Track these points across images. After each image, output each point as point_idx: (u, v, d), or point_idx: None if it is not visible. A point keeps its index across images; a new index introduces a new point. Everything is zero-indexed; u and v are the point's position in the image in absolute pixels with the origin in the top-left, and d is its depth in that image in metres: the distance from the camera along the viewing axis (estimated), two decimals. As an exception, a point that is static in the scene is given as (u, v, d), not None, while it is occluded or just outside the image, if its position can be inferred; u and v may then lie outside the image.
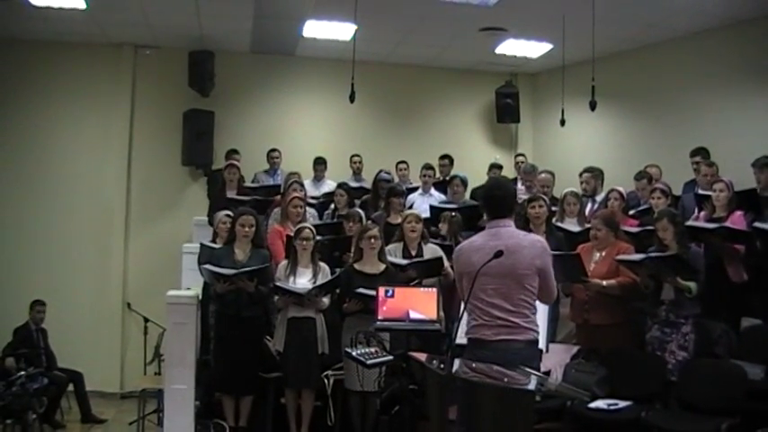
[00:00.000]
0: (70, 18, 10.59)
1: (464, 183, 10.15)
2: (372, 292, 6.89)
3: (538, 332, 4.95)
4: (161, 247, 11.52)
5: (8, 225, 11.67)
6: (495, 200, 5.14)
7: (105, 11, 10.48)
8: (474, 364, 4.53)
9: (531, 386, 4.53)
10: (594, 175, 9.68)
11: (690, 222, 7.55)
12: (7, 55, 11.71)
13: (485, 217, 5.22)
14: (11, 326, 10.05)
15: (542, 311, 5.82)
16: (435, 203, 9.93)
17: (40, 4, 10.03)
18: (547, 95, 12.75)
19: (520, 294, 4.86)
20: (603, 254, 7.38)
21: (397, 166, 11.44)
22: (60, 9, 10.20)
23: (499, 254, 4.64)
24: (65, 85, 11.98)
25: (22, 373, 8.69)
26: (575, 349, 7.44)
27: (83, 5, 10.07)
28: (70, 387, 9.98)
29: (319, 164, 11.59)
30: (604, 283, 7.16)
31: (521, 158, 12.09)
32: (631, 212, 8.80)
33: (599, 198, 9.44)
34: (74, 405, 10.10)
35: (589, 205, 9.39)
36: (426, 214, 9.12)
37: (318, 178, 11.55)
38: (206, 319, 8.37)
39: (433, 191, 10.63)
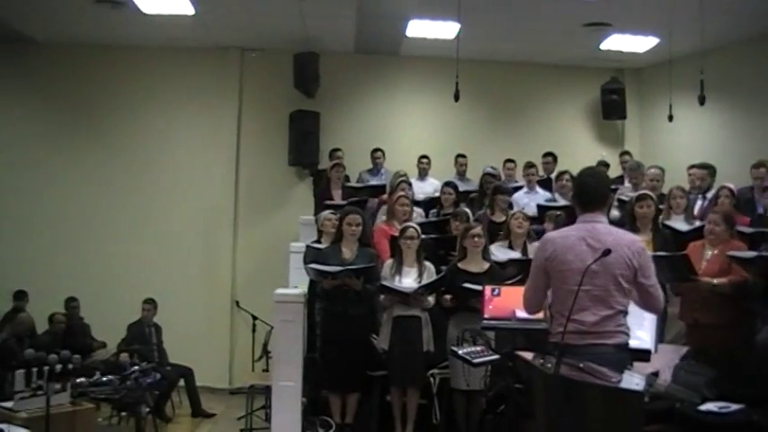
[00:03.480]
0: (179, 24, 10.90)
1: (573, 178, 10.01)
2: (478, 287, 6.86)
3: (628, 335, 4.72)
4: (268, 246, 11.70)
5: (121, 225, 12.11)
6: (588, 191, 4.83)
7: (212, 16, 10.76)
8: (581, 364, 4.43)
9: (640, 387, 4.44)
10: (708, 171, 9.42)
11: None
12: (120, 61, 12.23)
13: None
14: (125, 321, 10.36)
15: (651, 311, 5.73)
16: (541, 201, 9.87)
17: (150, 12, 10.37)
18: (654, 91, 12.49)
19: (615, 296, 4.61)
20: (715, 252, 7.17)
21: (504, 165, 11.35)
22: (170, 15, 10.53)
23: (607, 252, 4.44)
24: (174, 89, 12.39)
25: (136, 368, 8.92)
26: (684, 350, 7.28)
27: (191, 11, 10.36)
28: (181, 382, 10.26)
29: (423, 158, 11.61)
30: (715, 281, 6.97)
31: (626, 158, 11.87)
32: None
33: (709, 195, 9.20)
34: (184, 399, 10.37)
35: (699, 202, 9.16)
36: (533, 212, 9.07)
37: (422, 174, 11.57)
38: (312, 317, 8.46)
39: (538, 189, 10.55)
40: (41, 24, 11.34)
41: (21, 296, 10.84)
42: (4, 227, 12.00)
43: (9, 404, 7.07)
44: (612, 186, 10.17)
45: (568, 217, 8.54)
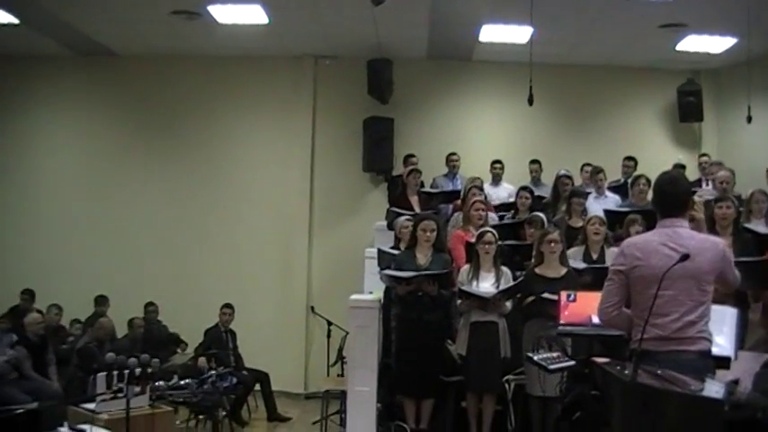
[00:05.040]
0: (254, 33, 11.08)
1: (650, 183, 9.81)
2: (555, 297, 6.80)
3: (711, 341, 4.64)
4: (343, 252, 11.77)
5: (198, 232, 12.35)
6: (667, 197, 4.75)
7: (286, 24, 10.91)
8: (659, 371, 4.35)
9: (720, 395, 4.34)
10: None
11: None
12: (196, 70, 12.52)
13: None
14: (202, 327, 10.53)
15: (730, 317, 5.60)
16: (612, 206, 9.74)
17: (225, 22, 10.55)
18: (731, 92, 12.21)
19: (698, 300, 4.53)
20: (797, 256, 7.01)
21: (582, 169, 11.18)
22: (244, 25, 10.71)
23: (685, 257, 4.36)
24: (249, 98, 12.58)
25: (213, 372, 9.04)
26: (765, 357, 7.11)
27: (265, 20, 10.52)
28: (257, 386, 10.37)
29: (496, 163, 11.55)
30: (796, 287, 6.80)
31: (704, 158, 11.64)
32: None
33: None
34: (260, 404, 10.49)
35: (780, 205, 8.95)
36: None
37: (495, 179, 11.51)
38: (387, 323, 8.45)
39: (608, 193, 10.40)
40: (119, 36, 11.63)
41: (102, 301, 11.11)
42: (85, 235, 12.31)
43: (91, 406, 7.23)
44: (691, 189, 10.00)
45: (647, 222, 8.39)
